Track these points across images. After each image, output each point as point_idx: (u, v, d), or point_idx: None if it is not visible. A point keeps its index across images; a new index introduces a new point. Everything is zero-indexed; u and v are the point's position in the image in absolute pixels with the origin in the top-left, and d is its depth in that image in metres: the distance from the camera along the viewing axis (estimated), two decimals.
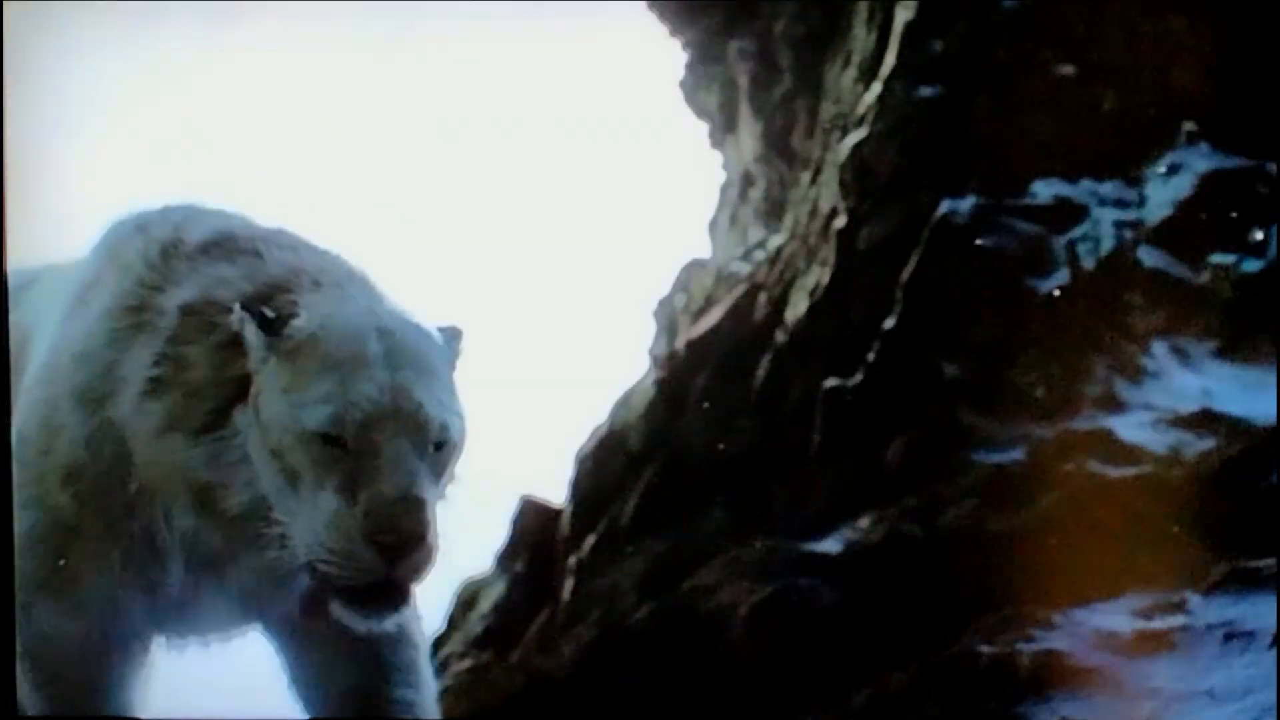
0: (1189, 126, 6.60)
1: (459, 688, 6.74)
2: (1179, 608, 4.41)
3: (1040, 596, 4.51)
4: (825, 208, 7.63)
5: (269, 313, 2.39)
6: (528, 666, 6.41)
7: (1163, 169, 6.55)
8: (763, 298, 7.82)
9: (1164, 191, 6.49)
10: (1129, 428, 5.57)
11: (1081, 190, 6.60)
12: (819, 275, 7.30)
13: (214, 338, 2.41)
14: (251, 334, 2.38)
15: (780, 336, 7.23)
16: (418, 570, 2.34)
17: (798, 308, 7.36)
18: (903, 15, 7.32)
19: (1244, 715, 3.67)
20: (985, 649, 4.29)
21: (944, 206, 6.56)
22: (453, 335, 2.56)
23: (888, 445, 5.94)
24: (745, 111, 9.82)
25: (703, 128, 10.64)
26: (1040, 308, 6.20)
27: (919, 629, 4.64)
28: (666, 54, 9.95)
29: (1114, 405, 5.80)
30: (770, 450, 6.53)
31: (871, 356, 6.30)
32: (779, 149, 9.53)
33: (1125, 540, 4.79)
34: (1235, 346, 5.94)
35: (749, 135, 9.88)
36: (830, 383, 6.41)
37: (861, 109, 7.47)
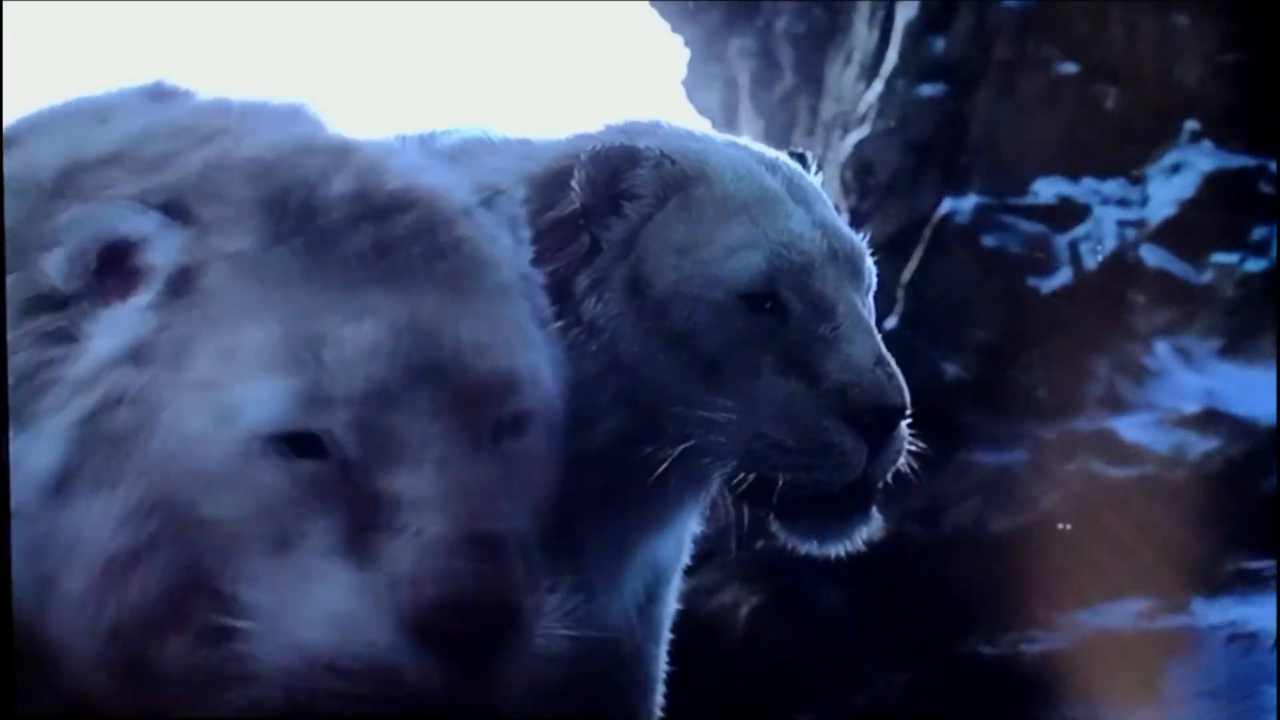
0: (1192, 125, 6.58)
1: None
2: (1182, 609, 4.40)
3: (1042, 597, 4.49)
4: None
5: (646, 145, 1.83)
6: None
7: (1165, 167, 6.53)
8: None
9: (1167, 190, 6.47)
10: (1132, 428, 5.56)
11: (1084, 189, 6.58)
12: None
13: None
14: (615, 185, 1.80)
15: None
16: (896, 461, 1.85)
17: None
18: (904, 13, 7.30)
19: (1247, 716, 3.66)
20: (987, 650, 4.29)
21: (945, 205, 6.54)
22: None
23: None
24: (746, 110, 9.81)
25: (704, 126, 10.62)
26: (1042, 307, 6.18)
27: (921, 630, 4.63)
28: (667, 52, 9.95)
29: (1116, 405, 5.78)
30: None
31: None
32: (780, 147, 9.50)
33: (1128, 541, 4.78)
34: (1238, 346, 5.93)
35: (750, 134, 9.86)
36: None
37: (863, 107, 7.45)
